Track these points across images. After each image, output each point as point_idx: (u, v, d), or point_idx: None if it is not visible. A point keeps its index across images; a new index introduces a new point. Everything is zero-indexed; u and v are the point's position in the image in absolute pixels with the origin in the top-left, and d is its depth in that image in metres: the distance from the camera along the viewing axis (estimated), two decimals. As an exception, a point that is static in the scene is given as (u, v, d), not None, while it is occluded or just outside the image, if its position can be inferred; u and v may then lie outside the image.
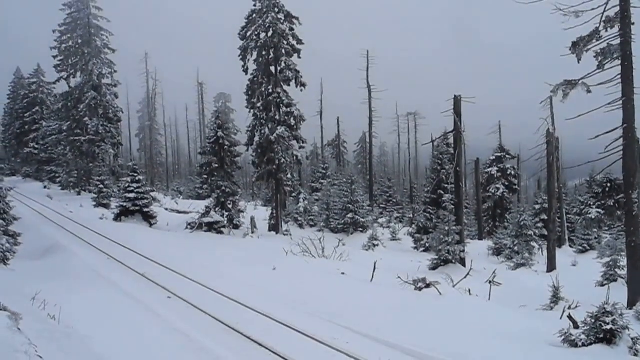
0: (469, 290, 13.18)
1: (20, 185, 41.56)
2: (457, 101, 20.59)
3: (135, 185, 25.34)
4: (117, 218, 25.26)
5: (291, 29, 26.85)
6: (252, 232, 24.87)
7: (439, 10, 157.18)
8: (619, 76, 13.05)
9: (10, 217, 15.05)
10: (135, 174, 25.95)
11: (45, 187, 41.89)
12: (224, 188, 25.54)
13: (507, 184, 38.06)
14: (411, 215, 39.06)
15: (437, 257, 19.16)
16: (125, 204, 25.13)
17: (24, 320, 6.61)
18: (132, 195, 25.07)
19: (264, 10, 26.48)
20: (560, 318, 10.04)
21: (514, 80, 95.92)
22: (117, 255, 15.40)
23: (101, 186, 32.31)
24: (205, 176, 28.63)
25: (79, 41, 39.50)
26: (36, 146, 47.27)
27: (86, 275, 12.53)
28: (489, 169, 38.49)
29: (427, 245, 24.53)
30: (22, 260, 14.24)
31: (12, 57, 73.95)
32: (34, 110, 49.46)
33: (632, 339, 8.06)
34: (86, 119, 38.33)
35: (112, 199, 31.40)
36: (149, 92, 57.73)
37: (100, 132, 38.61)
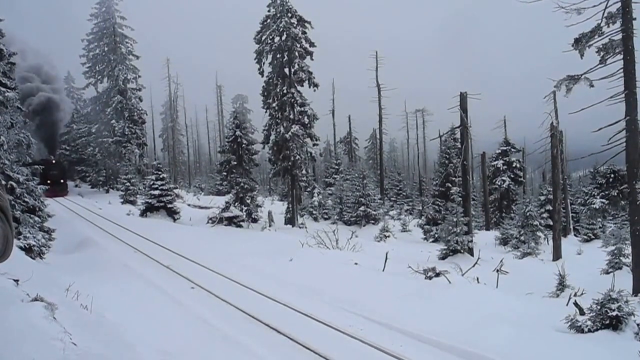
0: (477, 279, 13.02)
1: (54, 185, 42.22)
2: (463, 97, 20.35)
3: (159, 182, 25.58)
4: (143, 214, 25.54)
5: (304, 33, 26.77)
6: (270, 226, 24.95)
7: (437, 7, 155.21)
8: (621, 70, 12.74)
9: (45, 214, 15.27)
10: (159, 172, 26.18)
11: (76, 185, 42.56)
12: (242, 184, 25.64)
13: (512, 176, 37.60)
14: (420, 208, 38.81)
15: (446, 247, 19.01)
16: (150, 201, 25.39)
17: (59, 309, 6.70)
18: (156, 192, 25.31)
19: (278, 15, 26.44)
20: (567, 305, 9.86)
21: (516, 74, 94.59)
22: (144, 249, 15.57)
23: (128, 184, 32.71)
24: (225, 173, 28.80)
25: (106, 49, 39.96)
26: (67, 148, 48.01)
27: (115, 267, 12.69)
28: (495, 162, 38.05)
29: (436, 236, 24.36)
30: (57, 254, 14.48)
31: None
32: (65, 114, 50.16)
33: (637, 325, 7.88)
34: (113, 121, 38.79)
35: (138, 196, 31.76)
36: (171, 95, 58.14)
37: (126, 133, 39.05)
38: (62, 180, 37.15)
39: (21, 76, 37.04)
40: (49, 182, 30.85)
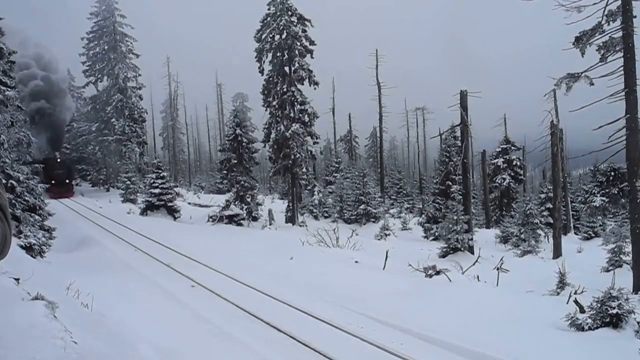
0: (478, 277, 13.04)
1: (54, 183, 42.15)
2: (463, 96, 20.34)
3: (159, 181, 25.58)
4: (144, 212, 25.54)
5: (304, 31, 26.72)
6: (270, 224, 24.94)
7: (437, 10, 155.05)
8: (621, 68, 12.73)
9: (46, 212, 15.27)
10: (160, 171, 26.18)
11: (77, 184, 42.52)
12: (242, 182, 25.64)
13: (513, 174, 37.61)
14: (421, 206, 38.80)
15: (446, 245, 19.02)
16: (150, 199, 25.40)
17: (60, 308, 6.69)
18: (157, 190, 25.32)
19: (278, 13, 26.39)
20: (567, 303, 9.86)
21: (516, 72, 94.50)
22: (144, 247, 15.57)
23: (128, 183, 32.69)
24: (225, 171, 28.78)
25: (106, 47, 39.95)
26: (68, 146, 48.06)
27: (116, 266, 12.70)
28: (495, 160, 38.05)
29: (436, 234, 24.35)
30: (57, 252, 14.48)
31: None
32: (65, 113, 50.04)
33: (637, 322, 7.89)
34: (113, 120, 38.78)
35: (138, 194, 31.74)
36: (171, 94, 58.07)
37: (127, 132, 39.05)
38: (67, 181, 36.10)
39: (21, 62, 34.76)
40: (53, 182, 30.19)
